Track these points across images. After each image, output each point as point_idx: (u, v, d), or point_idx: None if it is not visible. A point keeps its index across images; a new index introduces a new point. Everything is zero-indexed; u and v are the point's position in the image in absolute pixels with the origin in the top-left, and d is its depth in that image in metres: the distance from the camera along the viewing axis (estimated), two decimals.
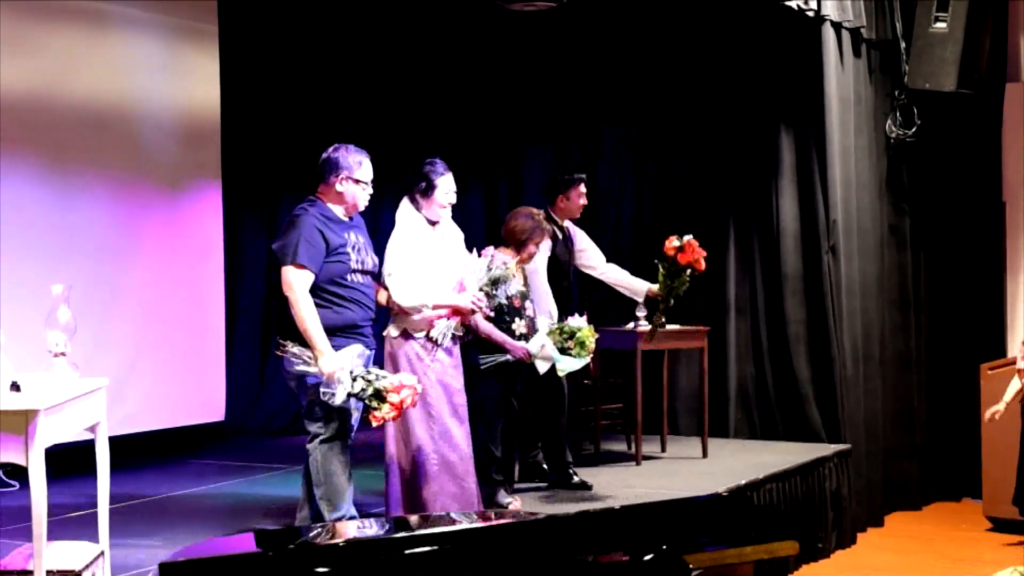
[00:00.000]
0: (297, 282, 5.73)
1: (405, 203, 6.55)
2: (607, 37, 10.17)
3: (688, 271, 7.67)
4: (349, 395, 5.66)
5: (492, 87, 10.86)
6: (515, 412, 7.09)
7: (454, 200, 6.53)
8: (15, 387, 4.84)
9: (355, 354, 5.80)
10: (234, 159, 9.57)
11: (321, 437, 5.85)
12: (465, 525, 4.67)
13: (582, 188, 8.16)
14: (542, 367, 6.95)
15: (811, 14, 8.65)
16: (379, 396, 5.65)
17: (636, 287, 8.19)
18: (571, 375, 7.29)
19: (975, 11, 9.08)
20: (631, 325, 8.34)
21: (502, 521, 4.54)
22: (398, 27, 10.50)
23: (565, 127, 10.70)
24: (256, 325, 10.07)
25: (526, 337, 6.96)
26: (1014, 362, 9.18)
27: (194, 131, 9.19)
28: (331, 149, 6.07)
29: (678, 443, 9.02)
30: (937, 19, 9.14)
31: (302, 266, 5.73)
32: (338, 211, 5.98)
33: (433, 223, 6.50)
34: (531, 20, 9.74)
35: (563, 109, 10.64)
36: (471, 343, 6.83)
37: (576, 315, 7.11)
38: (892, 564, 8.11)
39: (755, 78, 9.49)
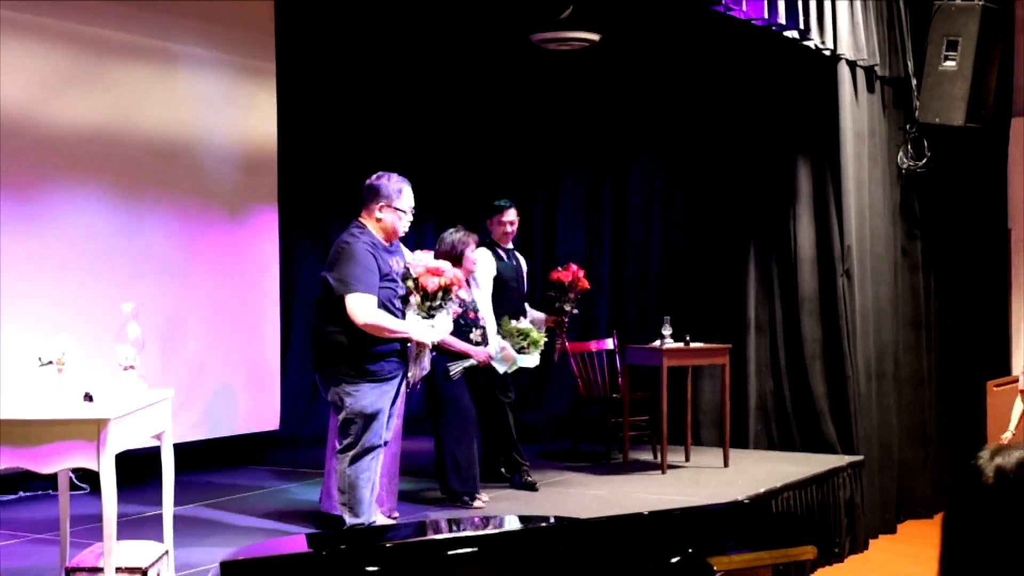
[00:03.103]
0: (363, 308, 5.74)
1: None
2: (637, 74, 10.22)
3: (572, 285, 8.26)
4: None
5: (530, 119, 10.92)
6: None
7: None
8: (88, 397, 4.90)
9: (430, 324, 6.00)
10: (289, 186, 9.63)
11: (352, 452, 5.88)
12: (503, 528, 4.68)
13: (506, 216, 8.14)
14: (501, 368, 7.22)
15: (828, 53, 8.66)
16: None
17: (536, 316, 8.29)
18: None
19: (982, 50, 9.06)
20: (657, 343, 8.36)
21: (540, 524, 4.55)
22: (444, 64, 10.58)
23: (597, 156, 10.74)
24: (309, 340, 10.10)
25: (480, 344, 7.27)
26: (1018, 380, 9.12)
27: (253, 160, 9.25)
28: (374, 177, 6.07)
29: (701, 453, 9.01)
30: (947, 58, 9.12)
31: (364, 292, 5.75)
32: (380, 237, 6.00)
33: None
34: (566, 58, 9.80)
35: (595, 140, 10.69)
36: (438, 353, 6.99)
37: (522, 318, 7.37)
38: (903, 569, 8.07)
39: (775, 112, 9.50)
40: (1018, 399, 8.22)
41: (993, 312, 10.12)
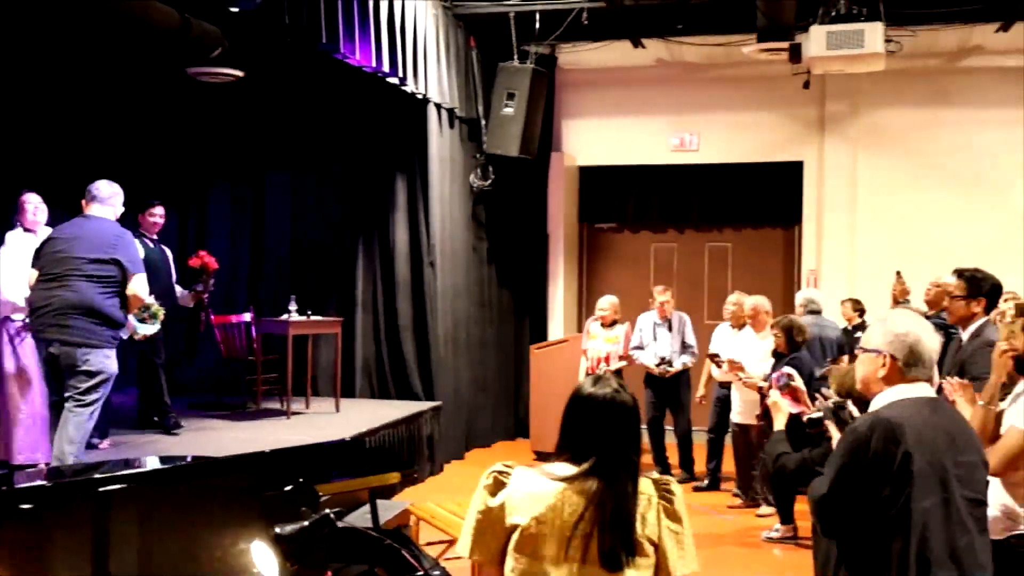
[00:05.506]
0: (146, 286, 5.87)
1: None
2: (275, 106, 9.91)
3: (204, 268, 8.02)
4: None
5: (187, 139, 10.36)
6: None
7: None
8: None
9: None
10: None
11: (94, 408, 5.51)
12: (147, 467, 4.42)
13: (153, 211, 7.83)
14: (124, 334, 6.88)
15: (420, 96, 8.79)
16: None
17: (183, 294, 8.05)
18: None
19: (532, 101, 9.47)
20: (285, 316, 8.20)
21: (178, 463, 4.33)
22: (116, 86, 9.82)
23: (241, 170, 10.37)
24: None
25: None
26: (554, 344, 9.55)
27: None
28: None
29: (319, 402, 8.92)
30: (506, 105, 9.47)
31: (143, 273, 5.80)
32: None
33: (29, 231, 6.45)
34: (217, 90, 9.40)
35: (240, 157, 10.30)
36: None
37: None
38: (468, 483, 8.28)
39: (380, 140, 9.55)
40: (707, 362, 8.11)
41: (535, 295, 10.62)
